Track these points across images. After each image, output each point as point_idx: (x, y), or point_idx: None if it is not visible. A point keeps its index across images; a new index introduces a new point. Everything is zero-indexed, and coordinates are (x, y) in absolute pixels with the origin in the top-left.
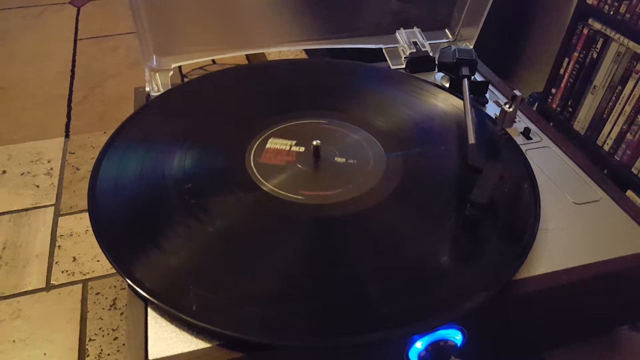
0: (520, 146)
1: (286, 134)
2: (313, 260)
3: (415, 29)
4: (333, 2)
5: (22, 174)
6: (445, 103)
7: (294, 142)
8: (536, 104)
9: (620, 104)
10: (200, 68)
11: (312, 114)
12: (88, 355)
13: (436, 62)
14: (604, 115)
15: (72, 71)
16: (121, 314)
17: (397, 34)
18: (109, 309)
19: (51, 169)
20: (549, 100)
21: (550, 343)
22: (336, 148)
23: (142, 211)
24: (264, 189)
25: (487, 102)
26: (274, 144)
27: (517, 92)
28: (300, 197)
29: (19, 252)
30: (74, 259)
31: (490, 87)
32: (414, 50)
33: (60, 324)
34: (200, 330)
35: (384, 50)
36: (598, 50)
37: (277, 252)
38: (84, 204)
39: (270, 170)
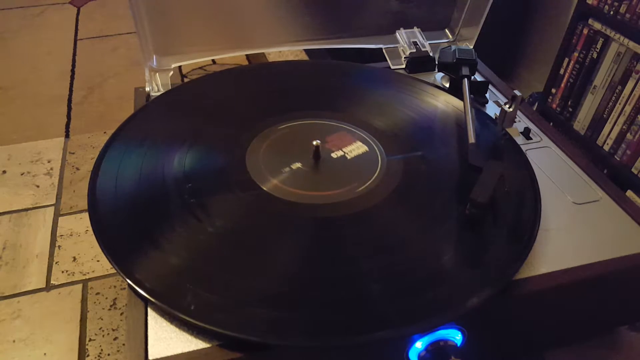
0: (520, 146)
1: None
2: (313, 260)
3: (415, 29)
4: (333, 2)
5: (22, 174)
6: (445, 103)
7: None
8: (536, 104)
9: (620, 104)
10: (200, 68)
11: (312, 114)
12: (88, 355)
13: (436, 62)
14: (604, 115)
15: (72, 71)
16: (121, 314)
17: (397, 34)
18: (109, 309)
19: (51, 169)
20: (549, 100)
21: (551, 343)
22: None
23: (142, 211)
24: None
25: (487, 102)
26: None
27: (517, 92)
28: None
29: (19, 252)
30: (74, 259)
31: (490, 87)
32: (414, 50)
33: (60, 324)
34: (200, 330)
35: (384, 50)
36: (598, 50)
37: (277, 252)
38: (84, 204)
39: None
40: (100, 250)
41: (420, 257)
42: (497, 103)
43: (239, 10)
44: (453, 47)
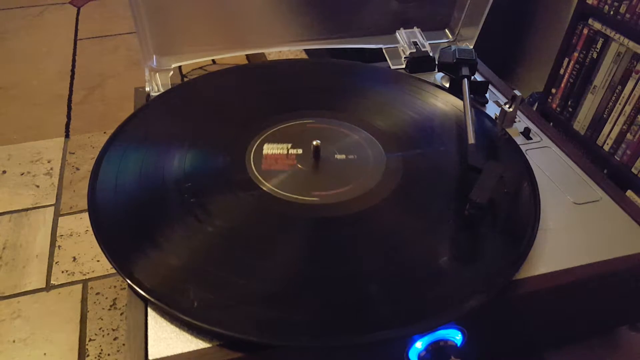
0: (520, 146)
1: (283, 135)
2: (313, 260)
3: (415, 29)
4: (333, 2)
5: (22, 174)
6: (445, 103)
7: (289, 145)
8: (536, 104)
9: (620, 104)
10: (200, 68)
11: (312, 114)
12: (88, 355)
13: (436, 62)
14: (604, 115)
15: (72, 71)
16: (121, 314)
17: (397, 34)
18: (109, 309)
19: (51, 169)
20: (549, 100)
21: (551, 343)
22: (336, 148)
23: (142, 211)
24: (264, 188)
25: (487, 102)
26: (270, 149)
27: (517, 92)
28: (300, 197)
29: (19, 252)
30: (74, 259)
31: (490, 87)
32: (414, 50)
33: (60, 324)
34: (200, 330)
35: (384, 50)
36: (598, 50)
37: (277, 252)
38: (84, 204)
39: (271, 171)
40: (100, 250)
41: (420, 257)
42: (497, 103)
43: (239, 10)
44: (453, 47)
